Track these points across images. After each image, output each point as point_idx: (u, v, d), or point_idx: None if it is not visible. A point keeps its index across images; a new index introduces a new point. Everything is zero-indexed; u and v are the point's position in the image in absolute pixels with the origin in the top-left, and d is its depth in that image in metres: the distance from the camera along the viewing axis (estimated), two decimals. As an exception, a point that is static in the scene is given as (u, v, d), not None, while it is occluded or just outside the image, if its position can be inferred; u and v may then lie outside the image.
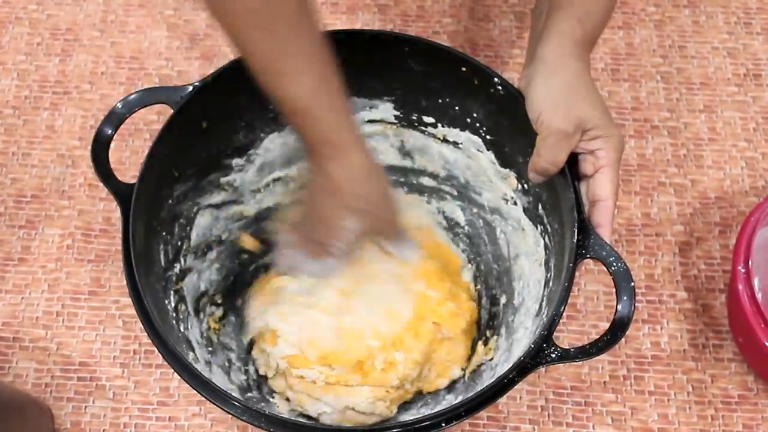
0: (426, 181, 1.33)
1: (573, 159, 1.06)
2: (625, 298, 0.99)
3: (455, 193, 1.32)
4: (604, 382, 1.25)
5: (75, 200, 1.37)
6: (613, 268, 1.01)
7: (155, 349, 0.99)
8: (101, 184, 1.33)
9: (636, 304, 1.28)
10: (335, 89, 1.01)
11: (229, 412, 0.97)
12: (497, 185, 1.24)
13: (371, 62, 1.18)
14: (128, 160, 1.38)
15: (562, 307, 1.00)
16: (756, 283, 1.16)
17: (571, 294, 1.25)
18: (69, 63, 1.49)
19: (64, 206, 1.37)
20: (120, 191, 1.07)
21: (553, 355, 0.98)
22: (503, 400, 1.22)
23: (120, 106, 1.11)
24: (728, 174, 1.41)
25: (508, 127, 1.16)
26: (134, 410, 1.23)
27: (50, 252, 1.33)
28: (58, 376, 1.25)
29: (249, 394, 1.19)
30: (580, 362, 1.24)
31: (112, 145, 1.10)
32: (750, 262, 1.15)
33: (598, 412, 1.23)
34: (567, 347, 0.99)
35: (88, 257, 1.33)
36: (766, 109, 1.47)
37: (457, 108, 1.21)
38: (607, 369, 1.25)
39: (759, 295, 1.14)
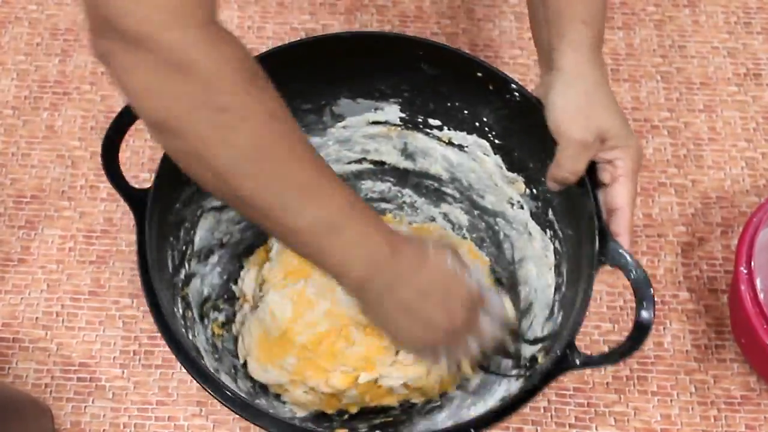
0: (427, 183, 1.33)
1: (591, 167, 1.06)
2: (645, 303, 0.99)
3: (458, 195, 1.32)
4: (607, 383, 1.25)
5: (75, 201, 1.37)
6: (632, 275, 1.01)
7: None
8: (102, 185, 1.35)
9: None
10: (358, 199, 0.97)
11: (246, 419, 0.96)
12: (502, 189, 1.24)
13: (382, 64, 1.18)
14: (129, 160, 1.38)
15: (583, 315, 1.00)
16: (758, 283, 1.16)
17: (573, 294, 1.26)
18: (69, 63, 1.49)
19: (65, 207, 1.36)
20: (132, 196, 1.06)
21: (577, 362, 0.98)
22: (506, 400, 1.22)
23: (129, 110, 1.10)
24: (729, 174, 1.41)
25: (520, 132, 1.16)
26: (133, 410, 1.23)
27: (50, 253, 1.33)
28: (57, 377, 1.25)
29: (257, 401, 1.18)
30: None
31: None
32: (752, 263, 1.15)
33: (600, 413, 1.23)
34: (588, 352, 0.99)
35: (89, 259, 1.33)
36: (766, 108, 1.47)
37: (466, 112, 1.20)
38: (609, 370, 1.25)
39: (761, 296, 1.14)
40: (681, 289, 1.31)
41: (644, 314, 0.99)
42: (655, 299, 1.29)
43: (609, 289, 1.30)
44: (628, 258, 1.02)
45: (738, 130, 1.45)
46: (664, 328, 1.29)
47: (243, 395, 0.98)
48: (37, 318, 1.28)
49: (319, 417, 1.21)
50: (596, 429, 1.22)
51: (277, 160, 0.88)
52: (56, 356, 1.26)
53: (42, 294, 1.30)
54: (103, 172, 1.08)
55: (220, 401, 0.96)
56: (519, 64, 1.50)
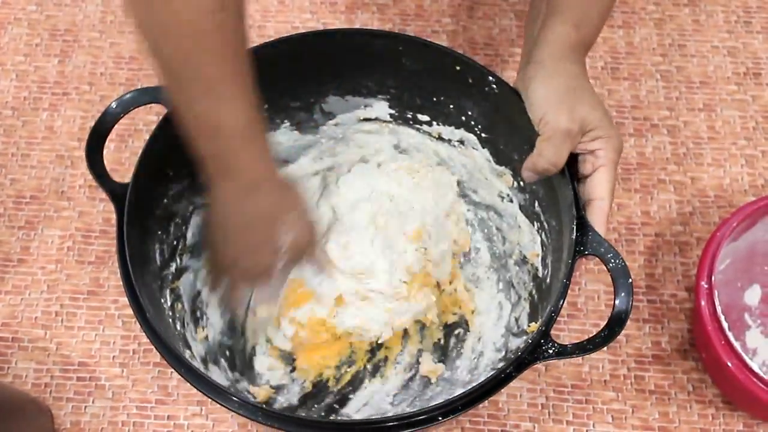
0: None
1: (572, 158, 1.06)
2: (622, 294, 1.00)
3: (451, 190, 1.33)
4: (605, 381, 1.25)
5: (74, 201, 1.37)
6: (611, 265, 1.01)
7: (154, 348, 0.99)
8: (101, 185, 1.34)
9: (637, 304, 1.29)
10: (261, 120, 1.04)
11: (225, 406, 0.97)
12: (493, 183, 1.25)
13: (366, 61, 1.19)
14: (128, 161, 1.38)
15: (561, 303, 1.00)
16: (720, 298, 1.15)
17: (571, 293, 1.26)
18: (68, 64, 1.49)
19: (64, 207, 1.37)
20: (114, 190, 1.08)
21: (551, 351, 0.98)
22: (503, 398, 1.22)
23: (114, 106, 1.11)
24: (728, 172, 1.41)
25: (503, 125, 1.17)
26: (132, 408, 1.23)
27: (50, 253, 1.33)
28: (57, 376, 1.25)
29: (239, 386, 1.20)
30: (579, 359, 1.24)
31: (111, 146, 1.11)
32: (713, 278, 1.15)
33: (598, 410, 1.23)
34: (565, 344, 0.99)
35: (88, 259, 1.33)
36: (765, 107, 1.47)
37: (451, 106, 1.22)
38: (607, 368, 1.25)
39: (719, 310, 1.14)
40: (679, 288, 1.31)
41: (621, 304, 0.99)
42: (653, 297, 1.30)
43: (606, 287, 1.30)
44: (607, 247, 1.02)
45: (737, 129, 1.45)
46: (662, 327, 1.28)
47: (216, 380, 1.00)
48: (36, 318, 1.29)
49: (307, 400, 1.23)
50: (594, 426, 1.22)
51: (205, 46, 0.92)
52: (56, 356, 1.26)
53: (42, 294, 1.30)
54: (101, 188, 1.09)
55: (183, 376, 0.99)
56: (518, 63, 1.50)
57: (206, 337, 1.20)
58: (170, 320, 1.14)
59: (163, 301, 1.14)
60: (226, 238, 1.12)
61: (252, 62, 0.97)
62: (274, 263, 1.12)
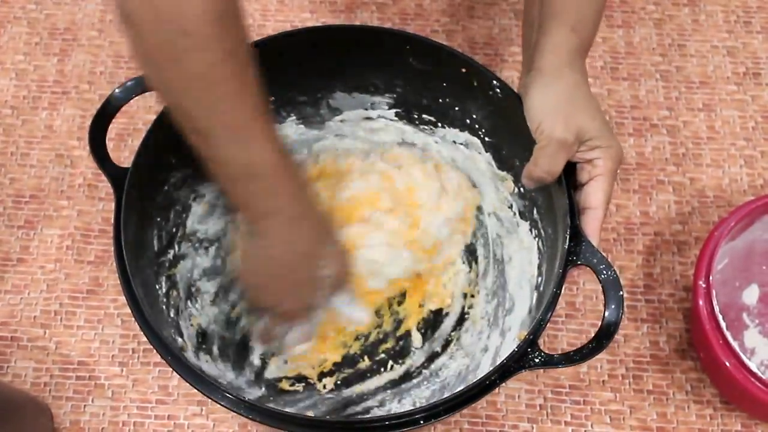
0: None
1: (569, 166, 1.06)
2: (613, 306, 1.00)
3: (454, 193, 1.32)
4: (603, 381, 1.25)
5: (74, 200, 1.37)
6: (602, 276, 1.01)
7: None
8: (100, 184, 1.34)
9: (635, 304, 1.29)
10: (289, 154, 1.04)
11: (209, 396, 0.98)
12: (495, 187, 1.25)
13: (373, 59, 1.20)
14: (127, 160, 1.36)
15: (549, 314, 1.01)
16: (718, 298, 1.15)
17: (570, 292, 1.26)
18: (67, 63, 1.49)
19: (63, 206, 1.37)
20: (115, 175, 1.09)
21: (537, 360, 0.98)
22: (501, 398, 1.22)
23: (118, 92, 1.12)
24: (727, 172, 1.41)
25: (506, 130, 1.16)
26: (133, 408, 1.24)
27: (49, 252, 1.33)
28: (57, 376, 1.25)
29: (235, 379, 1.21)
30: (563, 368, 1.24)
31: (111, 144, 1.11)
32: (711, 278, 1.15)
33: (596, 411, 1.23)
34: (552, 352, 1.00)
35: (87, 258, 1.33)
36: (765, 107, 1.47)
37: (456, 108, 1.21)
38: (605, 368, 1.25)
39: (717, 309, 1.13)
40: (677, 287, 1.31)
41: (610, 316, 0.99)
42: (651, 297, 1.30)
43: (606, 287, 1.31)
44: (600, 257, 1.02)
45: (737, 129, 1.45)
46: (660, 327, 1.28)
47: (206, 373, 1.02)
48: (35, 317, 1.29)
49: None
50: (592, 427, 1.22)
51: (221, 95, 0.92)
52: (55, 355, 1.26)
53: (41, 293, 1.30)
54: (102, 171, 1.09)
55: (169, 364, 1.01)
56: (518, 62, 1.50)
57: (200, 325, 1.21)
58: (164, 307, 1.15)
59: (158, 287, 1.15)
60: (268, 279, 1.10)
61: (266, 98, 0.97)
62: (315, 300, 1.12)
